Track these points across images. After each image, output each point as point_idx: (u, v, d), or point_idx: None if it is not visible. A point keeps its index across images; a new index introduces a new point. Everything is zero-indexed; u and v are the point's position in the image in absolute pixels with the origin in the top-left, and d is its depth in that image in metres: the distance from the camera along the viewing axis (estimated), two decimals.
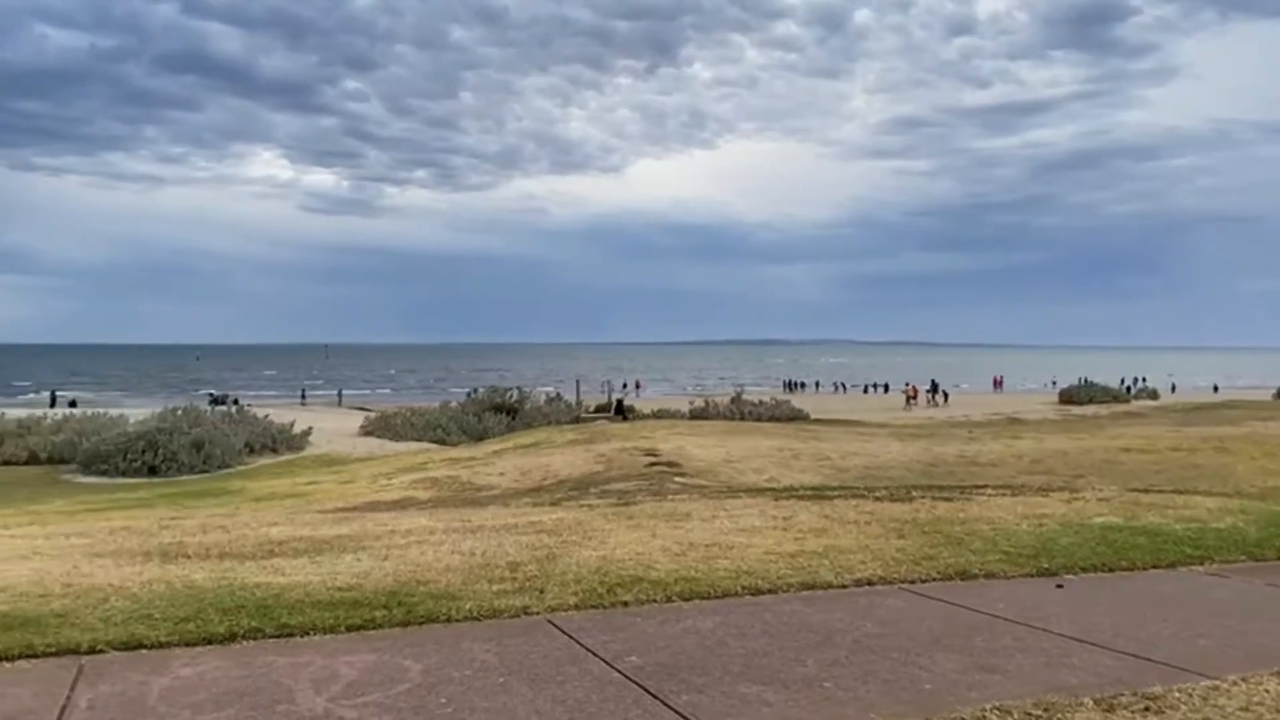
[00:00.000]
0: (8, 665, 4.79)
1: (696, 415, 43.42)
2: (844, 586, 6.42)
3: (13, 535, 8.60)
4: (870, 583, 6.51)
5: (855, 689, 4.58)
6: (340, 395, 73.78)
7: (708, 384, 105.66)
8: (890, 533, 8.10)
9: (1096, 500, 10.00)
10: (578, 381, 59.75)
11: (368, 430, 44.54)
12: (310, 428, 41.67)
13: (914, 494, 10.72)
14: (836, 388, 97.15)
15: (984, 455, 23.03)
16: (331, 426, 45.77)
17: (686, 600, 6.03)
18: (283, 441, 39.15)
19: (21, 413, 43.98)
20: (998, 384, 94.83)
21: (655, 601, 5.99)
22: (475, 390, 50.42)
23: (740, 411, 44.55)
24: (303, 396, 77.35)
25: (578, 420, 42.98)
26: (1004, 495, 10.58)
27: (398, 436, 41.90)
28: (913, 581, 6.56)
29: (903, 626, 5.52)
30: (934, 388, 73.53)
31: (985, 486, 12.68)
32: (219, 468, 34.70)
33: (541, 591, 6.13)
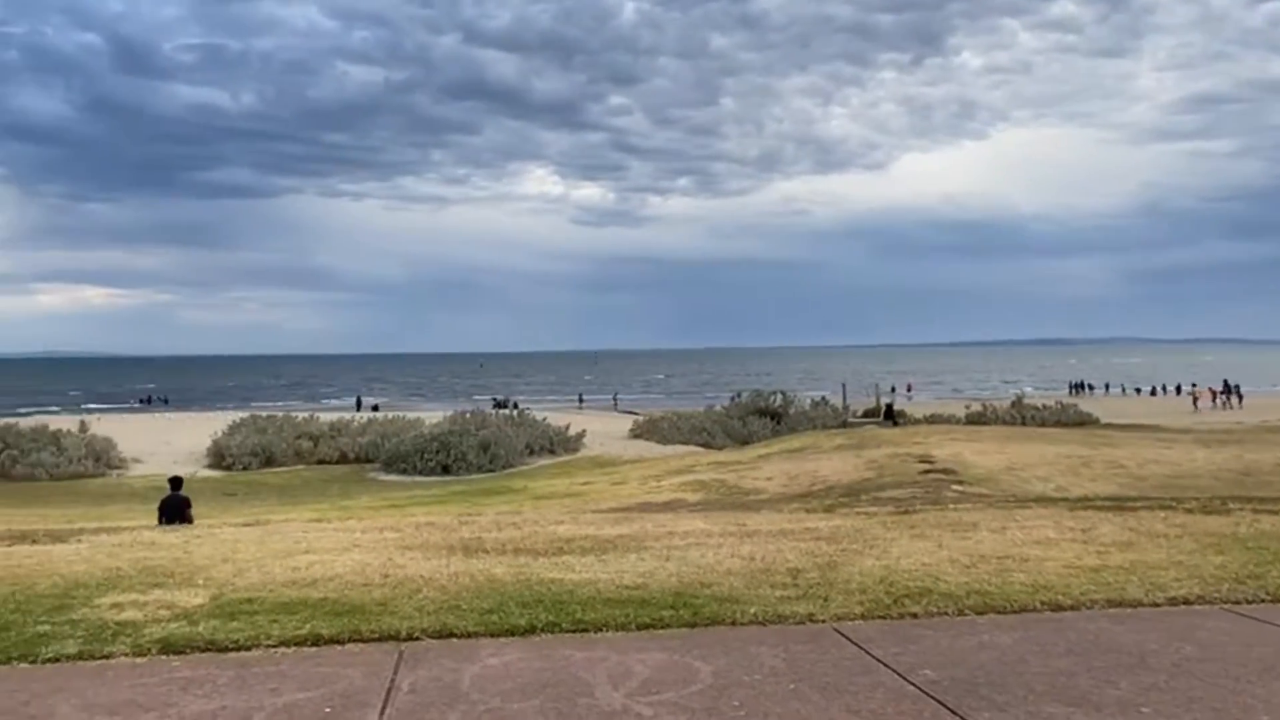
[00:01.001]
0: (339, 648, 5.27)
1: (973, 420, 41.82)
2: (1156, 605, 5.96)
3: (335, 529, 9.48)
4: (1186, 602, 6.01)
5: (1179, 716, 4.24)
6: (616, 399, 76.41)
7: (982, 387, 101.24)
8: (1206, 548, 7.44)
9: None
10: (844, 385, 58.79)
11: (636, 433, 46.05)
12: (584, 431, 43.49)
13: (1230, 506, 9.80)
14: (1125, 390, 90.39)
15: None
16: (603, 429, 47.57)
17: (980, 614, 5.79)
18: (559, 443, 41.14)
19: (332, 416, 48.29)
20: None
21: (946, 614, 5.79)
22: (739, 395, 50.80)
23: (1021, 416, 42.56)
24: (580, 401, 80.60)
25: (845, 425, 42.35)
26: None
27: (665, 440, 42.99)
28: (1236, 602, 6.01)
29: (1228, 651, 5.06)
30: (1227, 389, 67.00)
31: None
32: (503, 467, 37.25)
33: (825, 599, 6.07)
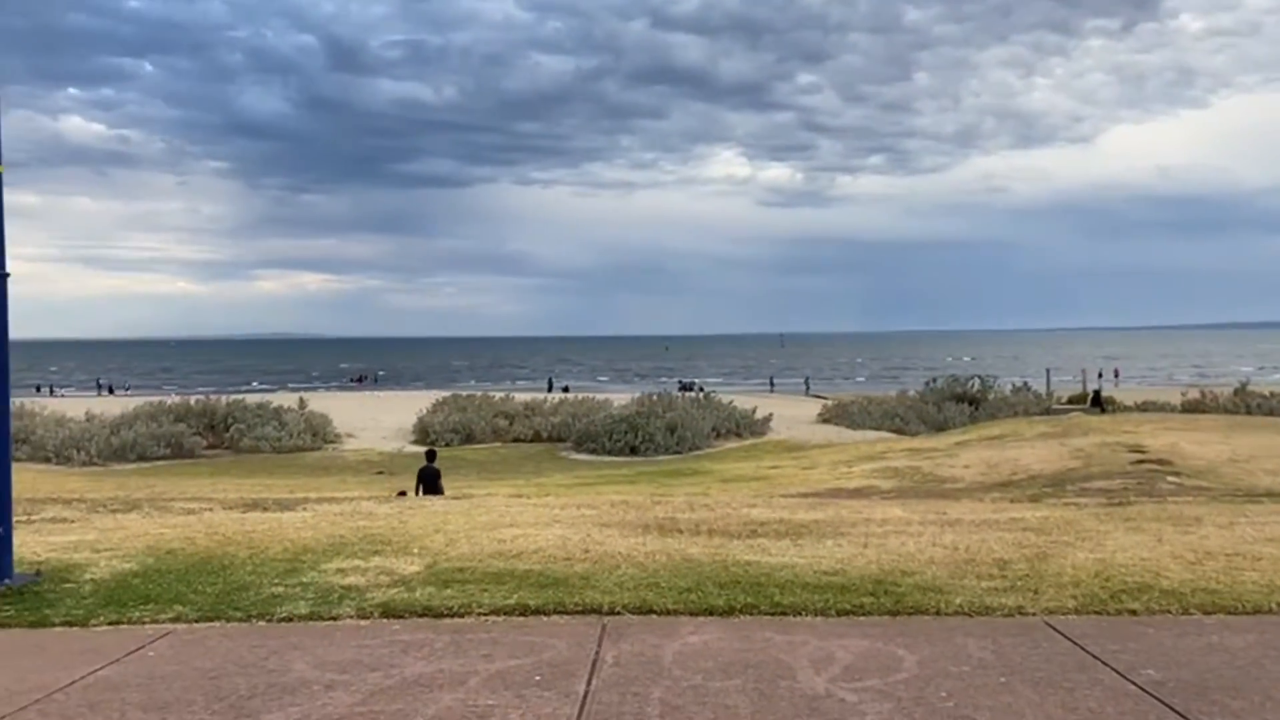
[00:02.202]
0: (544, 619, 5.46)
1: (1190, 408, 39.11)
2: None
3: (535, 504, 9.81)
4: None
5: None
6: (808, 383, 75.63)
7: (1203, 373, 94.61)
8: None
9: None
10: (1048, 370, 56.25)
11: (825, 418, 45.54)
12: (770, 414, 43.30)
13: None
14: None
15: None
16: (790, 413, 47.29)
17: (1207, 614, 5.44)
18: (745, 427, 41.08)
19: (526, 397, 49.99)
20: None
21: (1169, 612, 5.47)
22: (934, 380, 49.37)
23: (1246, 404, 39.42)
24: (771, 385, 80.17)
25: (1048, 412, 40.50)
26: None
27: (855, 425, 42.44)
28: None
29: None
30: None
31: None
32: (689, 449, 37.51)
33: (1035, 592, 5.85)
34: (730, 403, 44.22)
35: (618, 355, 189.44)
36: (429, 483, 17.23)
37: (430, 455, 18.74)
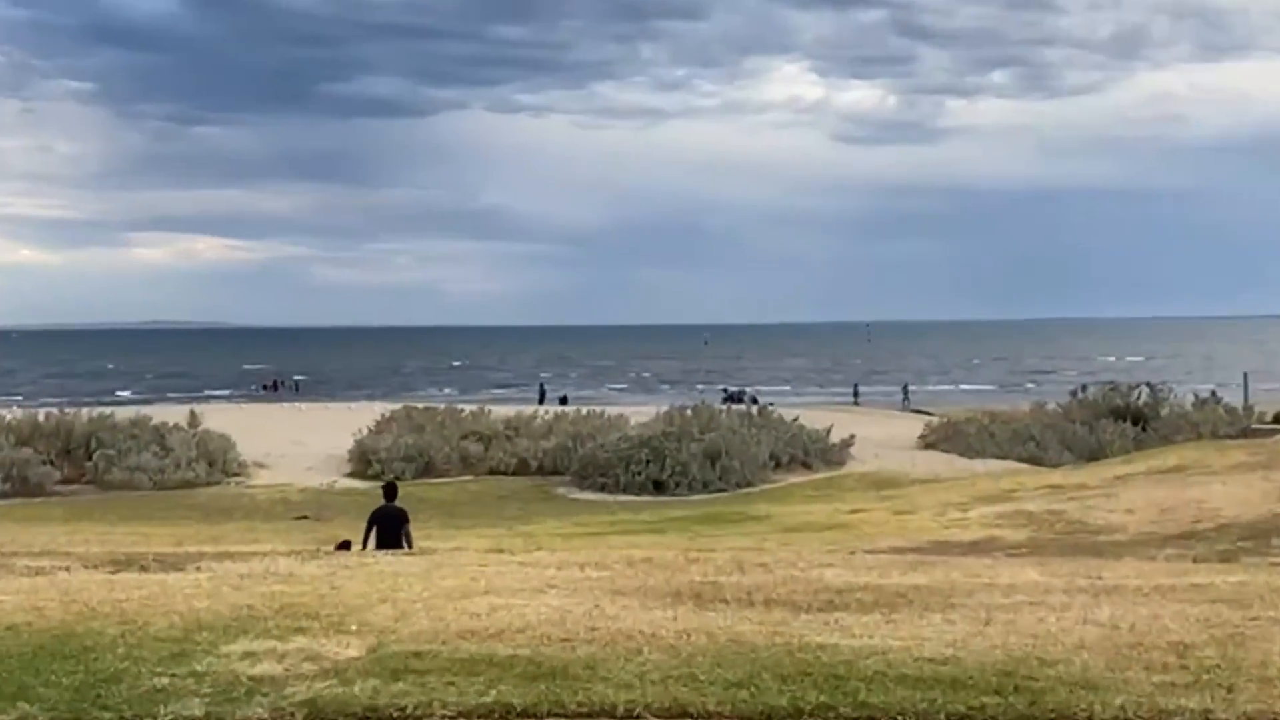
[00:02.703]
0: None
1: None
2: None
3: (521, 563, 9.87)
4: None
5: None
6: (907, 392, 75.31)
7: None
8: None
9: None
10: (1245, 375, 55.86)
11: (929, 441, 45.35)
12: (852, 436, 43.29)
13: None
14: None
15: None
16: (880, 435, 47.08)
17: None
18: (817, 453, 40.85)
19: (508, 410, 49.77)
20: None
21: None
22: (1083, 388, 49.12)
23: None
24: (855, 395, 79.85)
25: (1247, 434, 40.08)
26: None
27: (971, 451, 42.24)
28: None
29: None
30: None
31: None
32: (737, 485, 37.30)
33: (1229, 690, 5.83)
34: (795, 420, 44.06)
35: (637, 352, 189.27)
36: (388, 530, 16.86)
37: (389, 491, 18.46)
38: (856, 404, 72.88)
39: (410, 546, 16.11)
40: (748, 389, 78.13)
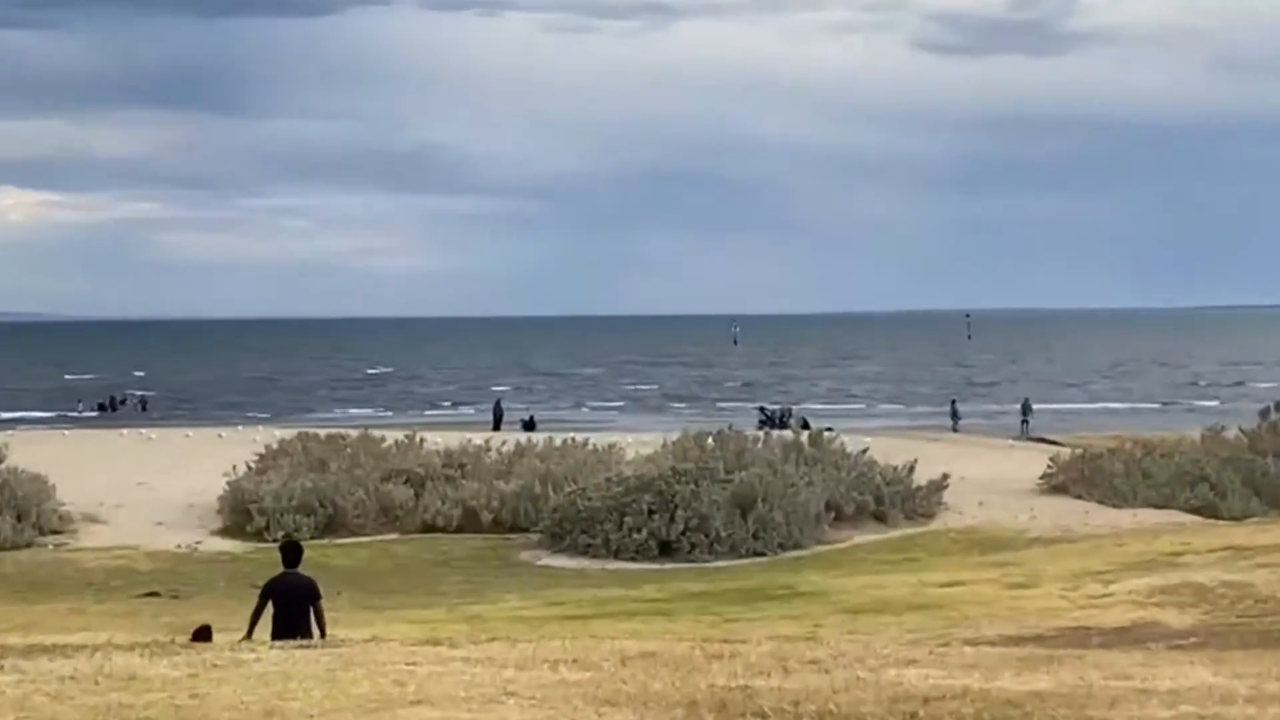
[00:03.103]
0: None
1: None
2: None
3: (467, 659, 9.81)
4: None
5: None
6: (1026, 412, 74.53)
7: None
8: None
9: None
10: None
11: (1057, 483, 44.95)
12: (946, 476, 43.04)
13: None
14: None
15: None
16: (987, 474, 46.76)
17: None
18: (895, 501, 40.37)
19: (451, 439, 49.09)
20: None
21: None
22: (1277, 406, 48.94)
23: None
24: (954, 417, 79.11)
25: None
26: None
27: (1116, 498, 42.01)
28: None
29: None
30: None
31: None
32: (780, 547, 37.01)
33: None
34: (864, 453, 43.93)
35: (636, 355, 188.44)
36: (289, 610, 16.59)
37: (291, 553, 18.15)
38: (955, 430, 72.49)
39: (324, 634, 16.01)
40: (794, 408, 77.75)
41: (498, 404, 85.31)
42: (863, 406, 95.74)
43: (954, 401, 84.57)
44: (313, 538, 38.12)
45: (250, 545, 38.62)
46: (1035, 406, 78.99)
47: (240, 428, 68.62)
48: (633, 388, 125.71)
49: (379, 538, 40.50)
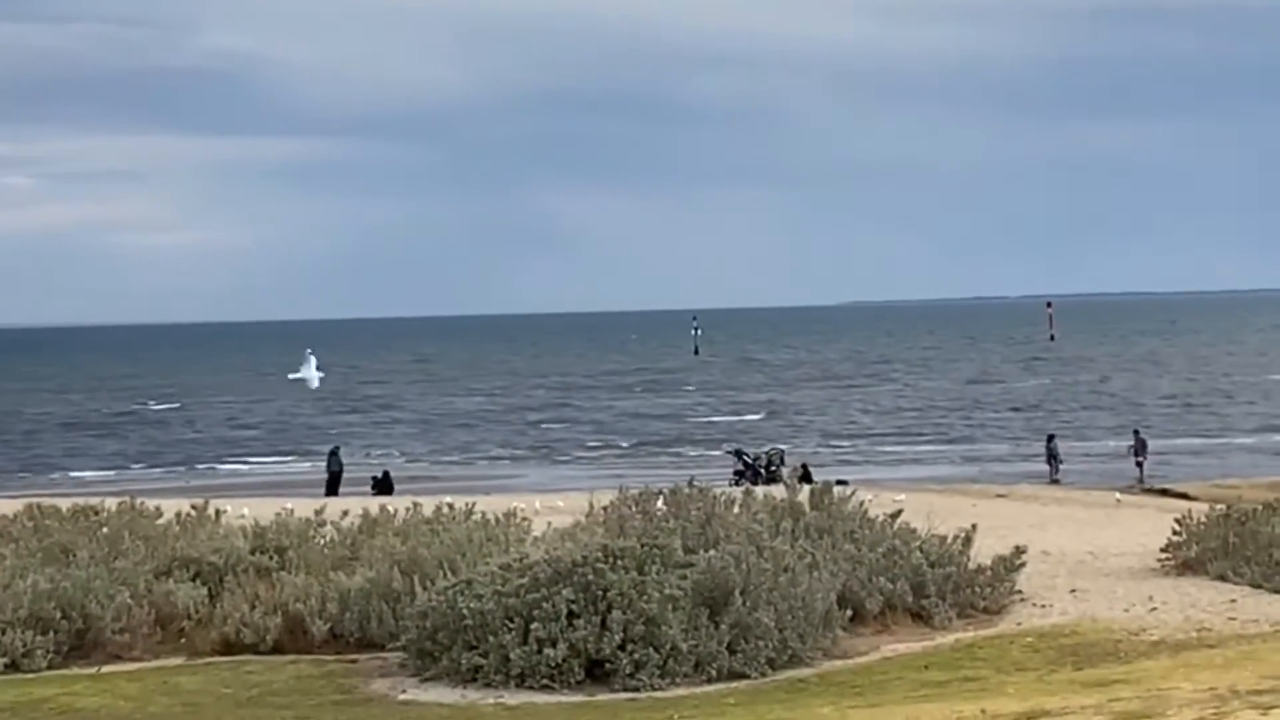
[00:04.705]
0: None
1: None
2: None
3: None
4: None
5: None
6: (1139, 450, 68.51)
7: None
8: None
9: None
10: None
11: (1183, 559, 40.33)
12: (1019, 551, 37.30)
13: None
14: None
15: None
16: (1079, 544, 44.41)
17: None
18: (942, 588, 35.73)
19: (262, 506, 44.15)
20: None
21: None
22: None
23: None
24: (1052, 459, 73.68)
25: None
26: None
27: (1272, 580, 37.30)
28: None
29: None
30: None
31: None
32: (769, 663, 31.64)
33: None
34: (896, 516, 37.07)
35: (541, 373, 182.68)
36: None
37: None
38: (1055, 481, 69.18)
39: None
40: (784, 450, 72.71)
41: (334, 455, 79.15)
42: (894, 446, 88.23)
43: (1051, 438, 79.53)
44: (51, 666, 32.95)
45: None
46: (1151, 442, 75.81)
47: None
48: (541, 425, 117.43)
49: (155, 664, 33.55)
